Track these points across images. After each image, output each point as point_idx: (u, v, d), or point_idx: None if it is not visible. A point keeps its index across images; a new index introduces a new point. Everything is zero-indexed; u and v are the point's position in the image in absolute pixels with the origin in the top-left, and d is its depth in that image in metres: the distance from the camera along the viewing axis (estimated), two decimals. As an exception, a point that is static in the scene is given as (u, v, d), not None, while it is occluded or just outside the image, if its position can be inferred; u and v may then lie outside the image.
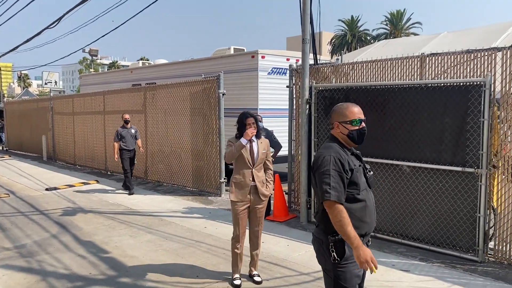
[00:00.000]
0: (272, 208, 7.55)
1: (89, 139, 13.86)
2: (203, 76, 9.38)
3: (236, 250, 4.74)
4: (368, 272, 2.66)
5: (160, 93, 10.70)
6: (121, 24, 12.33)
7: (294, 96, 7.46)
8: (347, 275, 2.66)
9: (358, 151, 2.92)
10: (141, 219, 7.59)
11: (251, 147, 4.65)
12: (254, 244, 4.86)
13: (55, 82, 38.59)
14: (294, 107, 7.50)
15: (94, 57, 36.74)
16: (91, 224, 7.29)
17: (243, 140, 4.57)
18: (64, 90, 66.36)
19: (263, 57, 9.89)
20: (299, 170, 7.21)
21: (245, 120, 4.61)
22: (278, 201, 7.31)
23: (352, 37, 58.36)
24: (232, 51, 11.79)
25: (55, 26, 11.39)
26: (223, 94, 8.86)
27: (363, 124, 2.77)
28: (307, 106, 6.78)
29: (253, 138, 4.65)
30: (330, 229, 2.66)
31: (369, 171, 2.86)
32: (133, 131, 9.73)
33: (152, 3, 9.70)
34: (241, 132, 4.64)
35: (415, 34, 50.83)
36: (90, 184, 11.16)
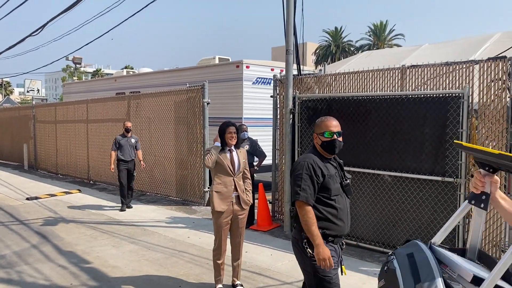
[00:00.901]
0: (256, 217, 7.56)
1: (71, 148, 13.69)
2: (187, 85, 9.39)
3: (218, 261, 4.74)
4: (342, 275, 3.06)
5: (144, 102, 10.67)
6: (105, 33, 12.31)
7: (278, 106, 7.52)
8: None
9: (341, 160, 3.22)
10: (124, 228, 7.52)
11: (231, 156, 4.67)
12: (236, 254, 4.86)
13: (38, 90, 38.05)
14: (278, 117, 7.56)
15: (77, 65, 36.40)
16: (73, 234, 7.19)
17: (217, 143, 4.63)
18: (47, 98, 65.47)
19: (247, 67, 9.96)
20: (283, 180, 7.25)
21: (226, 128, 4.65)
22: (261, 210, 7.33)
23: (336, 47, 59.00)
24: (217, 61, 11.84)
25: (38, 33, 11.30)
26: (207, 103, 8.88)
27: (335, 136, 3.04)
28: (291, 116, 6.85)
29: (233, 147, 4.70)
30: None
31: (346, 180, 3.13)
32: (133, 140, 9.03)
33: (137, 12, 9.72)
34: (222, 140, 4.67)
35: (398, 46, 51.69)
36: (72, 193, 11.01)
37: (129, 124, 9.05)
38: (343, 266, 3.18)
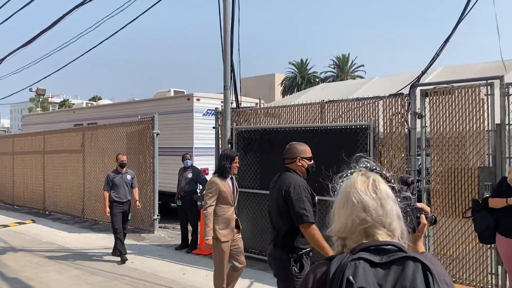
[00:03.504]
0: (199, 242, 7.99)
1: (28, 179, 13.80)
2: (139, 117, 9.89)
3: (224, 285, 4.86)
4: None
5: (99, 133, 11.07)
6: (64, 66, 12.71)
7: (220, 136, 8.10)
8: None
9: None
10: (71, 256, 7.78)
11: (233, 185, 4.88)
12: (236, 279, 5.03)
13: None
14: (220, 146, 8.12)
15: (41, 96, 36.32)
16: (20, 261, 7.40)
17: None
18: (11, 129, 64.15)
19: (198, 99, 10.56)
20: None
21: (235, 157, 4.86)
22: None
23: (302, 79, 60.91)
24: (172, 93, 12.41)
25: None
26: (157, 134, 9.37)
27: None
28: (229, 146, 7.42)
29: (232, 176, 4.94)
30: (291, 247, 3.24)
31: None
32: (129, 177, 7.71)
33: (96, 45, 10.25)
34: (224, 167, 4.78)
35: (360, 77, 53.85)
36: (26, 224, 11.12)
37: (123, 158, 7.79)
38: None
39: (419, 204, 1.73)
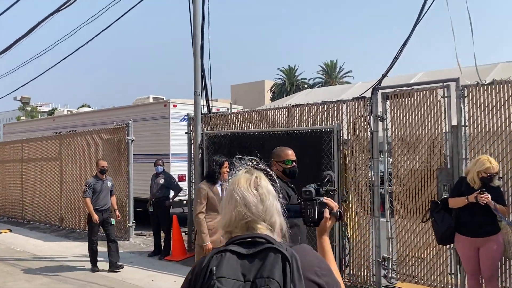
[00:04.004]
0: (171, 248, 7.96)
1: (7, 188, 13.67)
2: (114, 124, 9.86)
3: None
4: None
5: (75, 140, 11.01)
6: (44, 72, 12.68)
7: (193, 142, 8.10)
8: None
9: (292, 185, 3.68)
10: (43, 264, 7.70)
11: (222, 191, 4.79)
12: None
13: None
14: (193, 152, 8.12)
15: (26, 105, 36.08)
16: (-11, 271, 7.32)
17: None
18: (-2, 138, 63.47)
19: (174, 105, 10.56)
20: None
21: (224, 162, 4.85)
22: (175, 242, 7.74)
23: (290, 85, 61.18)
24: (151, 100, 12.39)
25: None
26: (132, 141, 9.35)
27: (294, 164, 3.60)
28: (200, 151, 7.43)
29: (222, 182, 4.86)
30: None
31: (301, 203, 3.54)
32: (109, 184, 7.44)
33: (72, 53, 10.25)
34: (213, 172, 4.77)
35: (348, 83, 54.26)
36: (2, 233, 10.99)
37: (104, 164, 7.46)
38: None
39: (325, 199, 1.82)
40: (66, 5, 8.69)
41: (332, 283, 1.41)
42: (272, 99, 60.77)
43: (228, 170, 4.81)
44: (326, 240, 1.79)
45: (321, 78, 61.64)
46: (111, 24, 9.24)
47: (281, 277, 1.22)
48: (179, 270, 7.01)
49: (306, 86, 62.15)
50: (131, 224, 9.35)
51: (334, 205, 1.83)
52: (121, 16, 9.10)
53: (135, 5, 7.67)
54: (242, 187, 1.45)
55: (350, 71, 63.48)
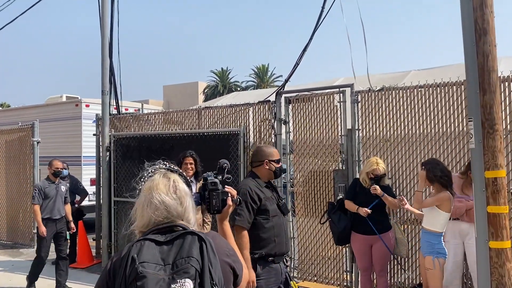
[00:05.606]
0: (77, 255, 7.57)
1: None
2: (19, 124, 9.22)
3: None
4: None
5: (-24, 141, 10.14)
6: None
7: (101, 144, 7.78)
8: None
9: (275, 184, 3.63)
10: None
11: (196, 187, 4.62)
12: None
13: None
14: (101, 154, 7.79)
15: None
16: None
17: None
18: None
19: (87, 105, 10.08)
20: (101, 215, 7.43)
21: (184, 159, 4.72)
22: (81, 248, 7.39)
23: (223, 87, 61.25)
24: (64, 99, 11.76)
25: None
26: (37, 142, 8.78)
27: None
28: (107, 153, 7.15)
29: (193, 179, 4.72)
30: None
31: (281, 200, 3.50)
32: (63, 188, 6.27)
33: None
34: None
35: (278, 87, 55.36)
36: None
37: (59, 164, 6.28)
38: (293, 282, 3.48)
39: (227, 188, 2.07)
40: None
41: (238, 262, 1.70)
42: (205, 101, 60.43)
43: (192, 165, 4.73)
44: (227, 224, 2.04)
45: (253, 81, 62.36)
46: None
47: (199, 255, 1.40)
48: (84, 278, 6.70)
49: (238, 88, 62.49)
50: (35, 230, 8.76)
51: (234, 192, 2.13)
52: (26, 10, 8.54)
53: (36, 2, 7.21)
54: (162, 192, 1.58)
55: (281, 76, 64.83)
